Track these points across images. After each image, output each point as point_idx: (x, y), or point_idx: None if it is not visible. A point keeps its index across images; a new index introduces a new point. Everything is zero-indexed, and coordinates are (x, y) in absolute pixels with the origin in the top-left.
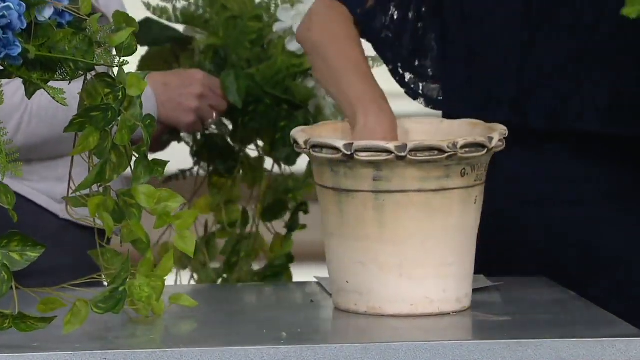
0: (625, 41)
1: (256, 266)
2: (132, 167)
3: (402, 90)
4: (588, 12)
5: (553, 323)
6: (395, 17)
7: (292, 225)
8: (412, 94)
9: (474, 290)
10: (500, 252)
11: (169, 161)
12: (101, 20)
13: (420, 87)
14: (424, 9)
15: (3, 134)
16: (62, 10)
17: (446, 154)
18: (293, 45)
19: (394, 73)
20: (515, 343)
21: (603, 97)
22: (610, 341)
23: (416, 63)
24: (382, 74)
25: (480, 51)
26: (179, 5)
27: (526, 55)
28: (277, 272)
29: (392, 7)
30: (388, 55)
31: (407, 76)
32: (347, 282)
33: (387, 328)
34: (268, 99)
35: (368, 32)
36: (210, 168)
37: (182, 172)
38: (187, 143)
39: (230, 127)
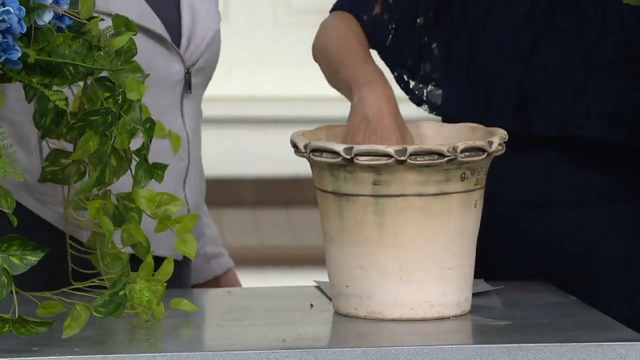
0: (631, 48)
1: None
2: (132, 171)
3: (402, 95)
4: (593, 20)
5: (553, 327)
6: (402, 23)
7: None
8: (417, 100)
9: (474, 294)
10: (500, 256)
11: (168, 164)
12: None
13: (425, 94)
14: (429, 15)
15: (3, 138)
16: (62, 14)
17: (446, 158)
18: None
19: (399, 80)
20: (515, 347)
21: (608, 104)
22: (610, 345)
23: (421, 70)
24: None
25: (483, 57)
26: None
27: (529, 62)
28: None
29: (398, 14)
30: (393, 62)
31: (412, 83)
32: (347, 286)
33: (387, 332)
34: None
35: (374, 38)
36: None
37: None
38: None
39: None
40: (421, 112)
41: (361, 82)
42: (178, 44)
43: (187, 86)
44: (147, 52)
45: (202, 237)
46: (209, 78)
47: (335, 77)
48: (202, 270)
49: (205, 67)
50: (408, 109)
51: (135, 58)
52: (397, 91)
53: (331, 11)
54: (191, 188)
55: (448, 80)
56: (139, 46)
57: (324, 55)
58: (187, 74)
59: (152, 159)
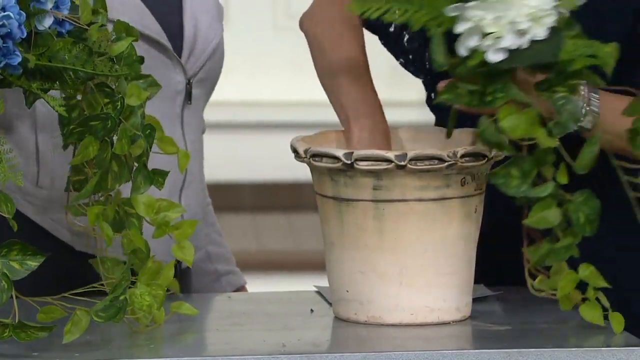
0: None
1: None
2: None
3: (399, 101)
4: None
5: (553, 332)
6: None
7: None
8: (414, 71)
9: (474, 299)
10: (500, 261)
11: (169, 171)
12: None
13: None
14: None
15: (3, 143)
16: (62, 19)
17: (446, 163)
18: None
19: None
20: (515, 352)
21: None
22: (610, 350)
23: (422, 57)
24: (380, 82)
25: None
26: None
27: None
28: None
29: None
30: (390, 44)
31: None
32: (347, 291)
33: (387, 337)
34: None
35: (372, 22)
36: None
37: None
38: None
39: None
40: (420, 118)
41: (362, 124)
42: (180, 54)
43: (188, 97)
44: (149, 61)
45: (200, 250)
46: (211, 90)
47: (330, 89)
48: (212, 287)
49: (207, 79)
50: (409, 114)
51: None
52: (391, 96)
53: None
54: (188, 201)
55: (431, 72)
56: (141, 54)
57: (317, 46)
58: (188, 84)
59: (149, 166)
